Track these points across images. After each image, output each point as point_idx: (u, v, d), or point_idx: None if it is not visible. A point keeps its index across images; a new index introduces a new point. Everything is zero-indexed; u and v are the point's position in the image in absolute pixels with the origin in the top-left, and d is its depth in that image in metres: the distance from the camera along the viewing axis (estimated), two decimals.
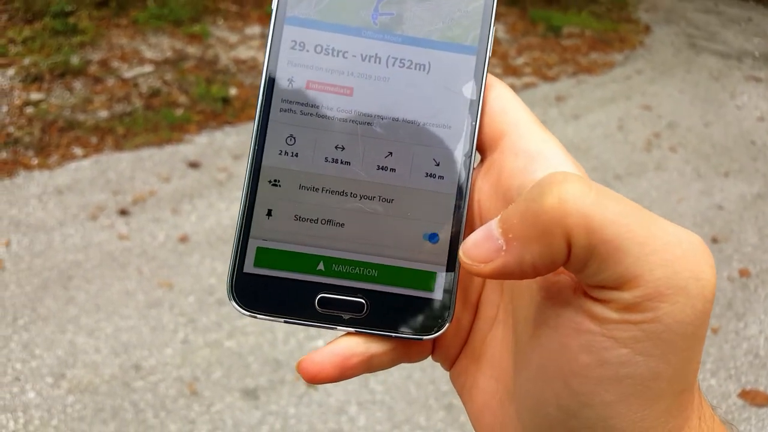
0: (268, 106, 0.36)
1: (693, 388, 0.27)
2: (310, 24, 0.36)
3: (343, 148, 0.36)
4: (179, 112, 3.53)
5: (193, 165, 3.13)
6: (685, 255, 0.24)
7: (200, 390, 2.00)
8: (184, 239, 2.62)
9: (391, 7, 0.36)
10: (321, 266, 0.36)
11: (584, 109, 4.40)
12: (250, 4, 5.03)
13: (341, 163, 0.36)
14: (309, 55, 0.36)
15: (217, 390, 2.01)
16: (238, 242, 0.36)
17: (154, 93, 3.65)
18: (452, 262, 0.36)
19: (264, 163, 0.36)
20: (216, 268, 2.48)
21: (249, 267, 0.36)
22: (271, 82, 0.36)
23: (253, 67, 4.15)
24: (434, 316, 0.35)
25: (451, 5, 0.37)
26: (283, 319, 0.35)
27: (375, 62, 0.36)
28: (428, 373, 2.13)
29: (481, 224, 0.35)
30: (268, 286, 0.36)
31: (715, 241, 3.12)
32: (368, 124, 0.36)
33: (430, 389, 2.08)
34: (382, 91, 0.36)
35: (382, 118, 0.36)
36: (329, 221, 0.36)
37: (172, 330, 2.20)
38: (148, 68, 3.87)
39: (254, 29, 4.65)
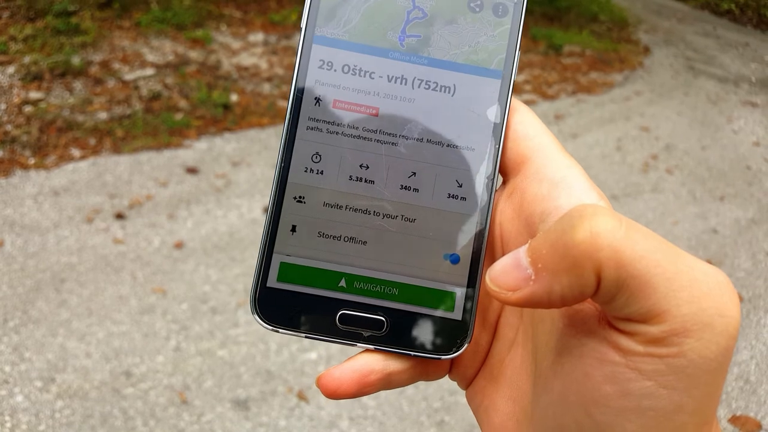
0: (296, 124, 0.36)
1: (713, 421, 0.28)
2: (339, 44, 0.37)
3: (368, 167, 0.36)
4: (179, 116, 3.52)
5: (192, 171, 3.12)
6: (711, 292, 0.25)
7: (191, 399, 1.98)
8: (179, 245, 2.61)
9: (419, 30, 0.37)
10: (343, 283, 0.36)
11: (583, 129, 4.42)
12: (254, 11, 5.04)
13: (365, 181, 0.36)
14: (336, 74, 0.37)
15: (208, 399, 1.99)
16: (263, 257, 0.36)
17: (155, 96, 3.65)
18: (472, 283, 0.36)
19: (290, 179, 0.36)
20: (210, 276, 2.47)
21: (272, 281, 0.36)
22: (298, 100, 0.37)
23: (255, 74, 4.15)
24: (453, 336, 0.36)
25: (477, 29, 0.37)
26: (304, 334, 0.36)
27: (401, 83, 0.37)
28: (421, 389, 2.12)
29: (502, 247, 0.36)
30: (290, 301, 0.36)
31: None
32: (393, 144, 0.36)
33: (422, 406, 2.07)
34: (408, 112, 0.37)
35: (407, 139, 0.36)
36: (352, 239, 0.36)
37: (164, 337, 2.19)
38: (149, 71, 3.86)
39: (257, 36, 4.65)
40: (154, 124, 3.41)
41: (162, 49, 4.17)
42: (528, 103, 4.67)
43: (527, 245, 0.28)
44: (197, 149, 3.31)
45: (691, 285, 0.25)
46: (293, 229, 0.36)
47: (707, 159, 4.30)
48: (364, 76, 0.37)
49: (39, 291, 2.29)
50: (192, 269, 2.49)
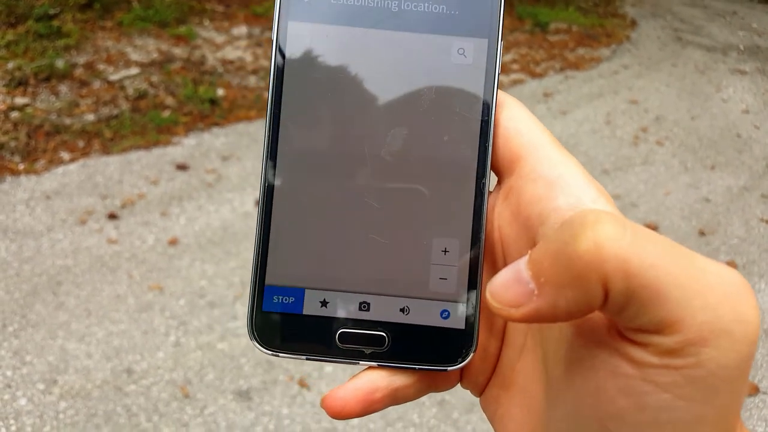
0: (275, 148, 0.35)
1: (736, 427, 0.27)
2: (313, 76, 0.36)
3: (357, 184, 0.35)
4: (166, 114, 3.52)
5: (182, 167, 3.12)
6: (728, 297, 0.23)
7: (193, 393, 2.00)
8: (173, 242, 2.61)
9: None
10: (339, 302, 0.35)
11: (572, 105, 4.42)
12: (236, 5, 5.02)
13: (355, 196, 0.35)
14: (313, 97, 0.36)
15: (210, 392, 2.01)
16: (255, 281, 0.35)
17: (141, 95, 3.64)
18: (473, 290, 0.35)
19: (276, 202, 0.35)
20: (206, 271, 2.48)
21: (268, 306, 0.35)
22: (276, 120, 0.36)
23: (241, 67, 4.14)
24: (458, 346, 0.35)
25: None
26: (305, 357, 0.35)
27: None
28: None
29: (503, 251, 0.35)
30: (287, 324, 0.35)
31: (702, 233, 3.14)
32: (379, 154, 0.35)
33: None
34: (391, 120, 0.36)
35: (394, 147, 0.35)
36: (346, 256, 0.35)
37: (163, 333, 2.20)
38: (134, 70, 3.85)
39: (241, 29, 4.63)
40: (141, 123, 3.40)
41: (146, 48, 4.15)
42: (516, 82, 4.67)
43: (528, 257, 0.26)
44: (186, 146, 3.31)
45: (705, 291, 0.23)
46: (284, 250, 0.35)
47: (697, 129, 4.30)
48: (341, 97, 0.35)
49: (36, 295, 2.30)
50: (188, 265, 2.50)
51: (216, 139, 3.39)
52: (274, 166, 0.35)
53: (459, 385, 0.37)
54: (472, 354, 0.35)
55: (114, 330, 2.19)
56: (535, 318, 0.25)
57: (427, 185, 0.35)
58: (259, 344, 0.35)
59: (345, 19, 0.35)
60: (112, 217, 2.72)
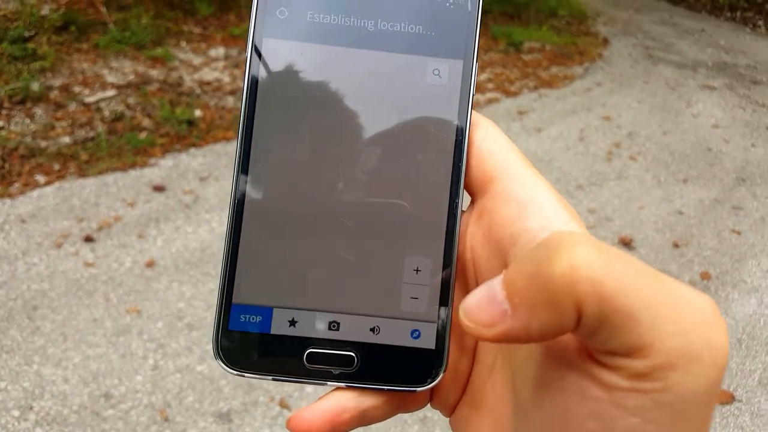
0: (246, 166, 0.35)
1: None
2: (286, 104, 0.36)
3: (328, 202, 0.35)
4: (143, 135, 3.51)
5: (159, 188, 3.11)
6: (698, 323, 0.24)
7: (172, 416, 1.98)
8: (151, 264, 2.60)
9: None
10: (307, 321, 0.35)
11: (546, 122, 4.49)
12: (214, 26, 5.04)
13: (327, 216, 0.35)
14: (286, 114, 0.35)
15: (190, 415, 1.99)
16: (222, 300, 0.34)
17: (118, 117, 3.63)
18: (444, 309, 0.34)
19: (245, 218, 0.35)
20: (184, 293, 2.46)
21: (234, 325, 0.34)
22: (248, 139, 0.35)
23: (218, 88, 4.15)
24: (428, 366, 0.34)
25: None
26: (271, 377, 0.34)
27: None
28: None
29: (475, 271, 0.35)
30: (254, 344, 0.34)
31: (676, 245, 3.20)
32: (352, 173, 0.35)
33: None
34: (365, 139, 0.35)
35: (367, 166, 0.35)
36: (316, 274, 0.34)
37: (141, 356, 2.18)
38: (110, 92, 3.84)
39: (218, 51, 4.65)
40: (118, 145, 3.39)
41: (122, 70, 4.14)
42: (491, 101, 4.73)
43: (501, 277, 0.26)
44: (163, 167, 3.30)
45: (676, 316, 0.23)
46: (251, 269, 0.34)
47: (669, 144, 4.39)
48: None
49: (11, 320, 2.26)
50: (165, 287, 2.48)
51: (193, 159, 3.39)
52: (245, 183, 0.35)
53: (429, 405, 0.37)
54: (442, 374, 0.34)
55: (91, 354, 2.16)
56: (507, 338, 0.25)
57: (399, 204, 0.35)
58: (225, 364, 0.34)
59: (321, 37, 0.35)
60: (89, 240, 2.70)
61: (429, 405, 0.37)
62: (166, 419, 1.96)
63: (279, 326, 0.34)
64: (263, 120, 0.35)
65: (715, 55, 6.81)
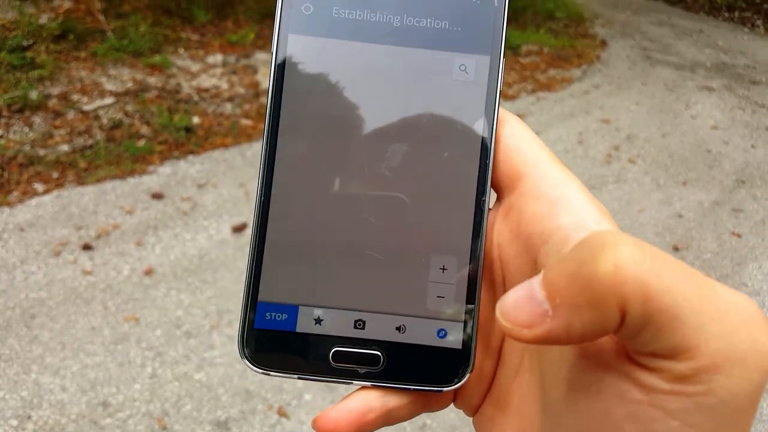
0: (273, 162, 0.35)
1: None
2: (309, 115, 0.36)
3: (354, 200, 0.34)
4: (142, 143, 3.51)
5: (157, 196, 3.11)
6: (743, 324, 0.23)
7: (170, 425, 1.97)
8: (149, 272, 2.60)
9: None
10: (333, 320, 0.34)
11: (544, 126, 4.49)
12: (211, 33, 5.04)
13: (353, 213, 0.34)
14: (311, 111, 0.35)
15: (188, 423, 1.98)
16: (248, 297, 0.34)
17: (116, 125, 3.63)
18: (471, 308, 0.34)
19: (271, 216, 0.34)
20: (183, 300, 2.46)
21: (260, 323, 0.34)
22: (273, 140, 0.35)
23: (216, 95, 4.15)
24: (454, 366, 0.34)
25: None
26: (297, 376, 0.34)
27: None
28: None
29: (502, 269, 0.34)
30: (280, 342, 0.34)
31: (676, 249, 3.19)
32: (378, 170, 0.35)
33: None
34: (391, 136, 0.35)
35: (393, 163, 0.35)
36: (342, 272, 0.34)
37: (139, 365, 2.17)
38: (108, 100, 3.84)
39: (216, 58, 4.65)
40: (116, 153, 3.39)
41: (120, 78, 4.15)
42: None
43: (541, 276, 0.25)
44: (162, 174, 3.30)
45: (721, 318, 0.23)
46: (278, 267, 0.34)
47: (668, 146, 4.39)
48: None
49: (9, 329, 2.26)
50: (163, 295, 2.48)
51: (191, 166, 3.39)
52: (271, 180, 0.34)
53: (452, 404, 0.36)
54: (468, 374, 0.34)
55: (89, 362, 2.16)
56: (547, 340, 0.25)
57: (426, 202, 0.34)
58: (250, 363, 0.34)
59: (346, 33, 0.35)
60: (87, 248, 2.70)
61: (452, 405, 0.36)
62: (164, 428, 1.96)
63: (304, 324, 0.34)
64: (288, 117, 0.35)
65: (713, 55, 6.81)
